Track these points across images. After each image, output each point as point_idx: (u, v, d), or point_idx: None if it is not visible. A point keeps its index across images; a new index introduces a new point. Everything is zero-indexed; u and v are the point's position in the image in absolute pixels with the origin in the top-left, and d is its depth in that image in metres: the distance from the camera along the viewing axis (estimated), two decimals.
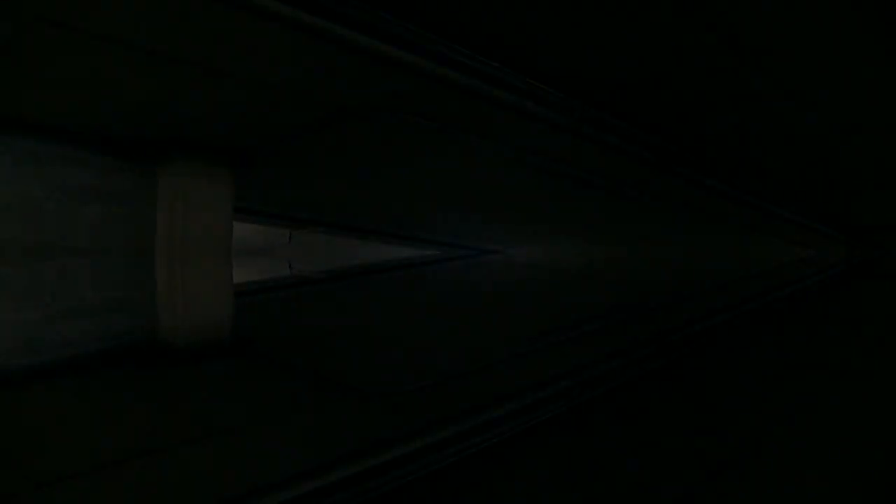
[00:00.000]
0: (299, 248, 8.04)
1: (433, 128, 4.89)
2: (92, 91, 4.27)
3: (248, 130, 5.23)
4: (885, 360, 5.74)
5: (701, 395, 4.73)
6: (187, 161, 5.31)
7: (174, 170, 5.27)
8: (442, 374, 4.91)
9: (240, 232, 5.87)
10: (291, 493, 2.95)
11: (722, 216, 7.75)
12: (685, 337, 6.62)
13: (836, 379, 5.08)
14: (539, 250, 8.18)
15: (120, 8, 3.16)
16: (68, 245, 5.01)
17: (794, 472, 3.27)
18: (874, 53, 3.78)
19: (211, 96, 4.35)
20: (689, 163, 6.29)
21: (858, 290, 8.80)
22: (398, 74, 3.95)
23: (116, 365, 5.10)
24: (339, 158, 5.88)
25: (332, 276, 8.22)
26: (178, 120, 4.93)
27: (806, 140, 5.71)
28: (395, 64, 3.78)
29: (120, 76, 4.02)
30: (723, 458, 3.39)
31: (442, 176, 6.37)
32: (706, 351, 6.23)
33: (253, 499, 2.87)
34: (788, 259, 8.67)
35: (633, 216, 7.62)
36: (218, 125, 5.10)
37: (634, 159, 5.56)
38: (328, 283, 8.22)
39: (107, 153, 5.18)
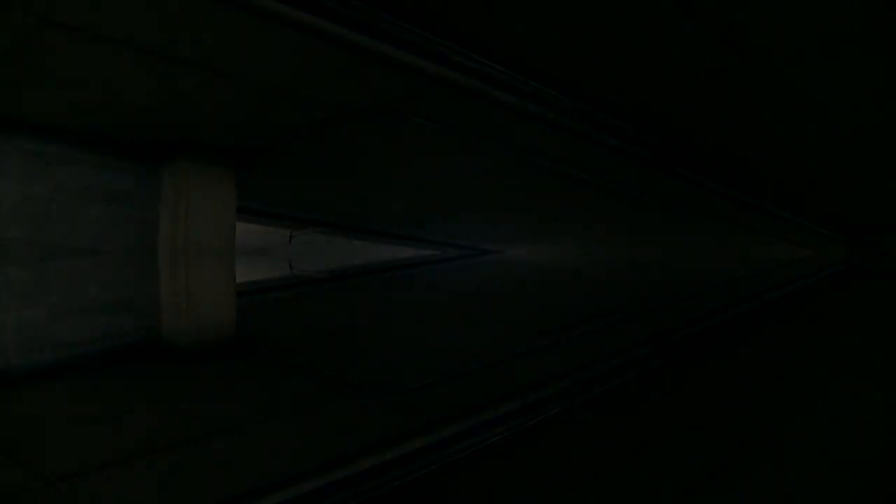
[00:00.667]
0: (300, 248, 8.07)
1: (435, 129, 4.91)
2: (96, 93, 4.29)
3: (250, 132, 5.24)
4: (884, 357, 5.76)
5: (702, 394, 4.74)
6: (190, 162, 5.33)
7: (177, 171, 5.29)
8: (445, 373, 4.93)
9: (242, 232, 5.90)
10: (292, 493, 2.96)
11: (723, 217, 7.76)
12: (686, 336, 6.64)
13: (835, 376, 5.10)
14: (539, 250, 8.19)
15: (124, 9, 3.18)
16: (72, 245, 5.04)
17: (795, 467, 3.28)
18: (873, 56, 3.79)
19: (214, 98, 4.37)
20: (689, 164, 6.31)
21: (858, 288, 8.82)
22: (399, 76, 3.96)
23: (120, 364, 5.13)
24: (340, 159, 5.90)
25: (333, 276, 8.24)
26: (181, 121, 4.95)
27: (806, 142, 5.73)
28: (397, 65, 3.79)
29: (124, 78, 4.04)
30: (724, 455, 3.41)
31: (443, 176, 6.38)
32: (706, 350, 6.24)
33: (253, 498, 2.89)
34: (789, 259, 8.69)
35: (634, 217, 7.63)
36: (221, 127, 5.11)
37: (635, 160, 5.58)
38: (329, 282, 8.25)
39: (110, 154, 5.21)
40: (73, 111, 4.66)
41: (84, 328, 5.08)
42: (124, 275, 5.30)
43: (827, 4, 3.27)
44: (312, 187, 6.94)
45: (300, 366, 5.32)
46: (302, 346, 6.01)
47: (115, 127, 5.01)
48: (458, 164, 5.99)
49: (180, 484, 3.05)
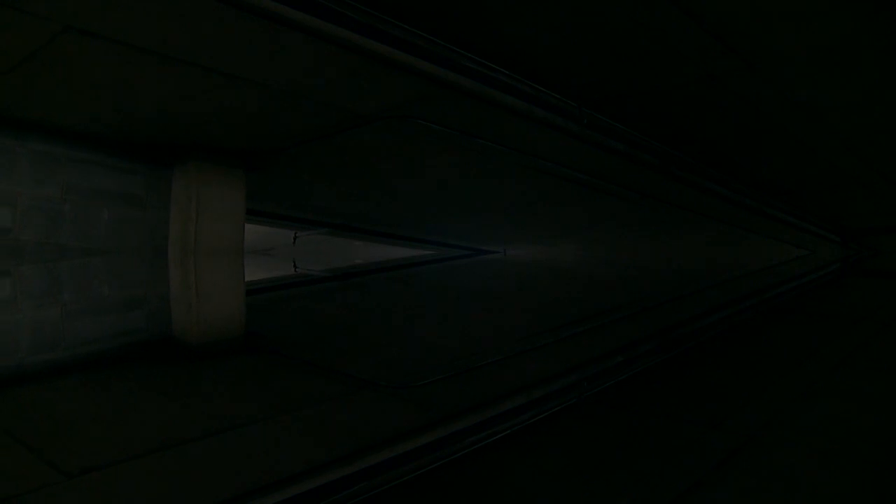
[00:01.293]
0: (303, 248, 8.14)
1: (442, 132, 4.97)
2: (110, 97, 4.34)
3: (261, 135, 5.31)
4: (881, 351, 5.84)
5: (705, 388, 4.81)
6: (201, 164, 5.40)
7: (188, 172, 5.36)
8: (453, 369, 4.99)
9: (250, 233, 5.96)
10: (303, 488, 3.00)
11: (724, 218, 7.84)
12: (688, 332, 6.71)
13: (834, 370, 5.17)
14: (541, 250, 8.25)
15: (140, 15, 3.24)
16: (85, 245, 5.12)
17: (797, 460, 3.35)
18: (873, 59, 3.85)
19: (226, 102, 4.42)
20: (692, 168, 6.37)
21: (855, 286, 8.93)
22: (409, 79, 4.01)
23: (132, 361, 5.20)
24: (347, 162, 5.95)
25: (335, 276, 8.30)
26: (192, 125, 5.01)
27: (806, 148, 5.80)
28: (406, 68, 3.84)
29: (139, 83, 4.10)
30: (729, 448, 3.46)
31: (447, 178, 6.44)
32: (709, 345, 6.31)
33: (263, 493, 2.94)
34: (788, 258, 8.80)
35: (637, 218, 7.70)
36: (232, 130, 5.17)
37: (639, 164, 5.63)
38: (331, 281, 8.31)
39: (122, 156, 5.28)
40: (86, 114, 4.72)
41: (97, 326, 5.15)
42: (136, 274, 5.38)
43: (826, 12, 3.35)
44: (318, 189, 7.01)
45: (310, 362, 5.40)
46: (310, 343, 6.08)
47: (127, 130, 5.08)
48: (463, 167, 6.05)
49: (203, 476, 3.11)
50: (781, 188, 7.60)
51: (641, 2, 3.26)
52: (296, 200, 7.37)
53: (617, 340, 6.31)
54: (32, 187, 4.79)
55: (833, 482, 3.08)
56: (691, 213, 7.60)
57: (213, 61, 3.80)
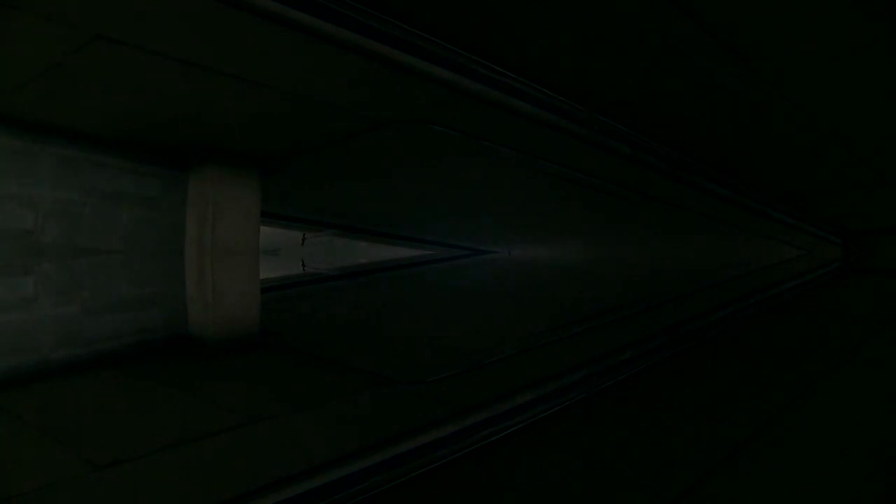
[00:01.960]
0: (312, 248, 8.26)
1: (453, 136, 5.04)
2: (131, 103, 4.42)
3: (276, 139, 5.39)
4: (880, 347, 5.89)
5: (711, 383, 4.86)
6: (217, 168, 5.50)
7: (205, 176, 5.47)
8: (463, 366, 5.07)
9: (265, 233, 6.07)
10: (321, 481, 3.07)
11: (727, 220, 7.90)
12: (694, 329, 6.76)
13: (835, 366, 5.23)
14: (546, 250, 8.31)
15: (167, 24, 3.33)
16: (104, 246, 5.23)
17: (801, 453, 3.41)
18: (876, 64, 3.92)
19: (245, 108, 4.48)
20: (697, 170, 6.43)
21: (854, 285, 9.00)
22: (423, 86, 4.07)
23: (150, 358, 5.31)
24: (358, 166, 6.02)
25: (342, 275, 8.40)
26: (210, 129, 5.09)
27: (808, 152, 5.86)
28: (421, 75, 3.91)
29: (161, 89, 4.18)
30: (735, 442, 3.52)
31: (456, 181, 6.51)
32: (714, 342, 6.35)
33: (299, 479, 3.02)
34: (789, 258, 8.88)
35: (641, 220, 7.76)
36: (248, 134, 5.25)
37: (645, 166, 5.69)
38: (338, 279, 8.40)
39: (141, 160, 5.40)
40: (107, 120, 4.81)
41: (116, 324, 5.27)
42: (153, 274, 5.49)
43: (829, 18, 3.42)
44: (328, 192, 7.10)
45: (323, 358, 5.49)
46: (323, 340, 6.17)
47: (147, 134, 5.16)
48: (473, 170, 6.12)
49: (228, 467, 3.19)
50: (783, 190, 7.68)
51: (653, 12, 3.34)
52: (306, 202, 7.47)
53: (622, 338, 6.35)
54: (54, 190, 4.91)
55: (835, 477, 3.13)
56: (694, 214, 7.66)
57: (237, 69, 3.86)
